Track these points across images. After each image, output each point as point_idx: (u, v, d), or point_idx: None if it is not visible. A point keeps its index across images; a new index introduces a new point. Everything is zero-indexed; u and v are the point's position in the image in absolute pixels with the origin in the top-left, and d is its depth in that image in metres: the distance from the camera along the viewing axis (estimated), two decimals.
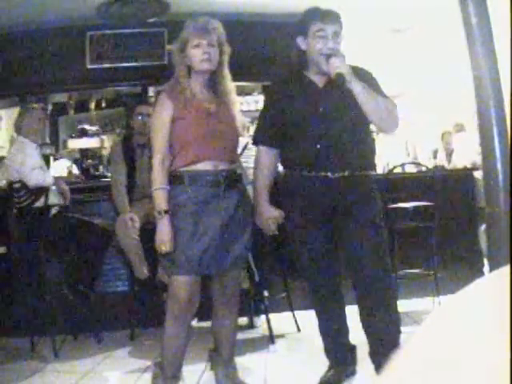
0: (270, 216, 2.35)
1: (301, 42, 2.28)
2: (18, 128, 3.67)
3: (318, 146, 2.26)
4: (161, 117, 2.22)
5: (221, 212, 2.18)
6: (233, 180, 2.25)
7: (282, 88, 2.40)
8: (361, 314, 2.35)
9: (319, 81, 2.31)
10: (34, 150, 3.59)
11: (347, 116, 2.26)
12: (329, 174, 2.25)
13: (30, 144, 3.58)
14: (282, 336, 3.35)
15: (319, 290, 2.43)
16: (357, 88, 2.16)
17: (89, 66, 5.33)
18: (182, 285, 2.15)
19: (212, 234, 2.15)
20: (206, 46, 2.20)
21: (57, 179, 3.65)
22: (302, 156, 2.30)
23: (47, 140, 5.69)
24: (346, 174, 2.26)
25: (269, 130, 2.39)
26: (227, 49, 2.28)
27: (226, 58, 2.29)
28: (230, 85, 2.31)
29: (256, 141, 2.46)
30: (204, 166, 2.19)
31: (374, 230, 2.28)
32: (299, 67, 2.35)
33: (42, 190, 3.37)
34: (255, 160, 2.45)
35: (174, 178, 2.20)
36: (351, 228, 2.29)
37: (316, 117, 2.27)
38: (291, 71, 2.45)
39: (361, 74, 2.25)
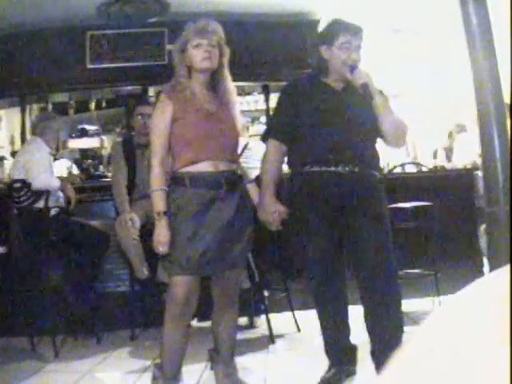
0: (274, 210, 2.36)
1: (324, 50, 2.37)
2: (37, 129, 3.67)
3: (332, 142, 2.32)
4: (160, 117, 2.21)
5: (221, 213, 2.18)
6: (234, 181, 2.24)
7: (299, 88, 2.47)
8: (365, 312, 2.35)
9: (336, 85, 2.42)
10: (47, 154, 3.60)
11: (361, 118, 2.36)
12: (340, 168, 2.31)
13: (45, 147, 3.60)
14: (281, 336, 3.35)
15: (322, 288, 2.42)
16: (378, 99, 2.31)
17: (89, 66, 5.33)
18: (179, 285, 2.15)
19: (212, 235, 2.15)
20: (207, 45, 2.21)
21: (64, 185, 3.59)
22: (314, 152, 2.35)
23: None
24: (357, 169, 2.32)
25: (282, 127, 2.45)
26: (226, 50, 2.30)
27: (225, 60, 2.30)
28: (231, 85, 2.32)
29: (267, 135, 2.49)
30: (204, 166, 2.18)
31: (380, 227, 2.32)
32: (318, 73, 2.44)
33: (43, 191, 3.37)
34: (264, 154, 2.48)
35: (174, 180, 2.20)
36: (358, 224, 2.32)
37: (331, 115, 2.35)
38: (309, 75, 2.52)
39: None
